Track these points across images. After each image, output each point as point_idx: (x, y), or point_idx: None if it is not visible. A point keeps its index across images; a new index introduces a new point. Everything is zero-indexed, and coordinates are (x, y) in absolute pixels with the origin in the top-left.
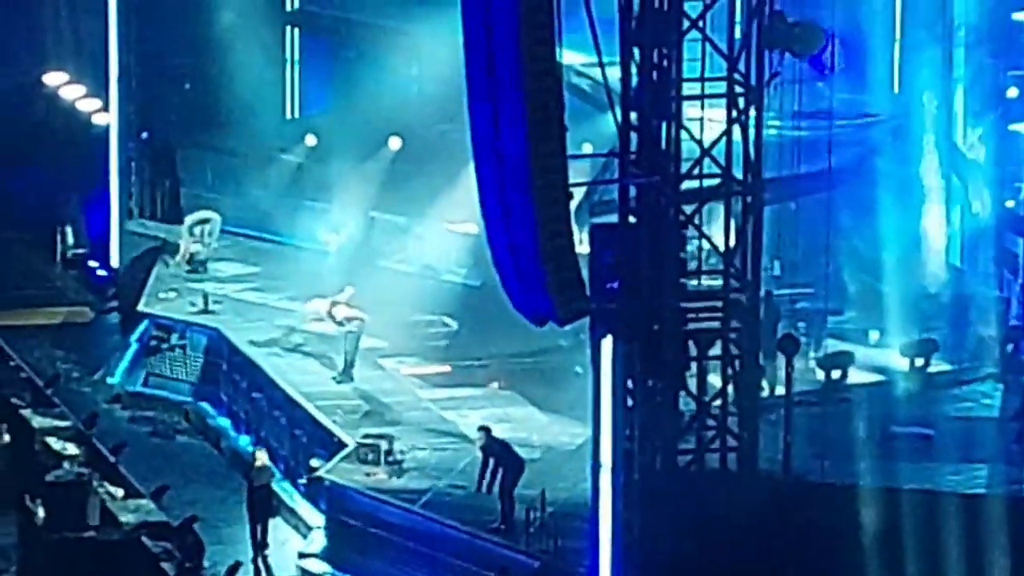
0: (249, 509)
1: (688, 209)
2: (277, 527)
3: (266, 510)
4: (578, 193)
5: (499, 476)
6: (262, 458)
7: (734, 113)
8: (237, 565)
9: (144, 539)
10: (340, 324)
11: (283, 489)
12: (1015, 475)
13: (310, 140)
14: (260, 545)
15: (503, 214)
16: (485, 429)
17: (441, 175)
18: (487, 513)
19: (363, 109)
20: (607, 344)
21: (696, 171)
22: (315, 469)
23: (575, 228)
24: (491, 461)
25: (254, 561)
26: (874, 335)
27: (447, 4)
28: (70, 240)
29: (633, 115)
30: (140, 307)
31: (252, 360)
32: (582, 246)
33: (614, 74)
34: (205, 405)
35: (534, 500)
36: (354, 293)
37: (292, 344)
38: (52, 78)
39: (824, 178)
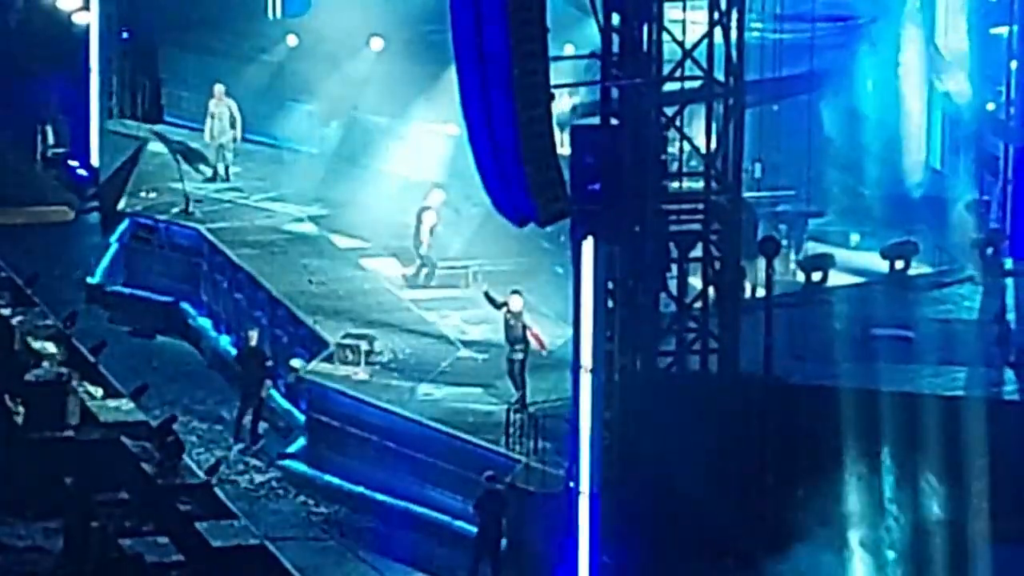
0: (242, 390)
1: (670, 111)
2: (258, 426)
3: (258, 393)
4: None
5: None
6: (254, 337)
7: (716, 15)
8: (217, 464)
9: (123, 439)
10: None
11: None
12: (994, 377)
13: (292, 40)
14: (252, 433)
15: (485, 115)
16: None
17: (423, 76)
18: (468, 414)
19: (344, 9)
20: (588, 245)
21: (678, 73)
22: (296, 369)
23: (557, 129)
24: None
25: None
26: (854, 237)
27: None
28: (51, 139)
29: (615, 17)
30: (120, 207)
31: (233, 260)
32: (563, 148)
33: None
34: (185, 305)
35: (516, 399)
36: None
37: (272, 244)
38: None
39: (805, 81)
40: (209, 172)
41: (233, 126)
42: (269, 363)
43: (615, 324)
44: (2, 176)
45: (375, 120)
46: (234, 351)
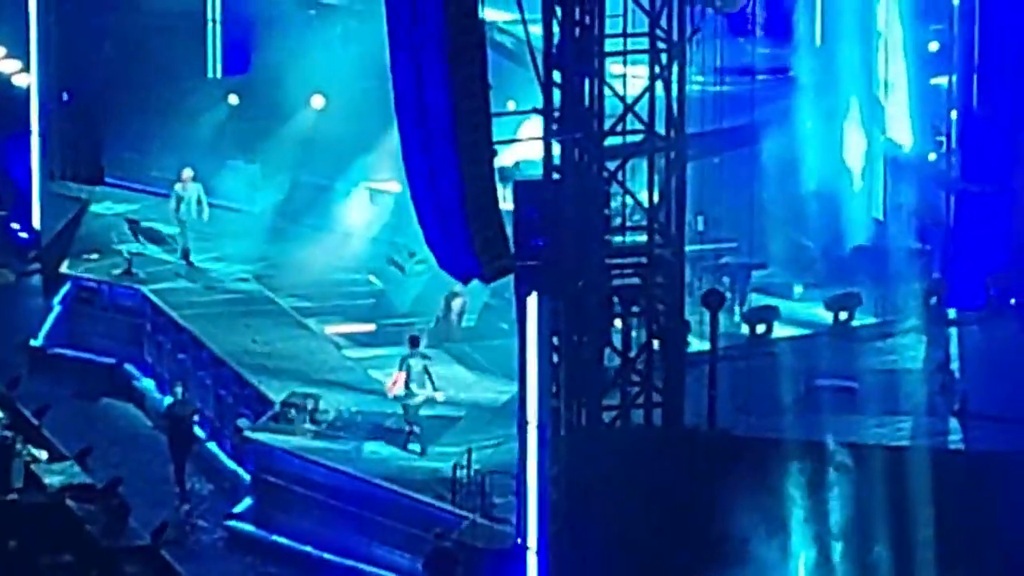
0: (171, 446)
1: (612, 165)
2: (204, 487)
3: (188, 446)
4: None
5: None
6: (180, 392)
7: (657, 69)
8: (163, 526)
9: (69, 501)
10: None
11: (209, 450)
12: (938, 427)
13: (232, 99)
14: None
15: (427, 172)
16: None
17: (365, 134)
18: (414, 471)
19: (285, 68)
20: (532, 301)
21: (619, 127)
22: (241, 429)
23: (499, 185)
24: None
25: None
26: (798, 289)
27: None
28: None
29: (556, 72)
30: (63, 269)
31: (176, 321)
32: (506, 203)
33: (537, 31)
34: (129, 367)
35: (461, 458)
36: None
37: (214, 305)
38: None
39: (747, 133)
40: (179, 254)
41: (200, 210)
42: (196, 417)
43: (560, 379)
44: None
45: (317, 179)
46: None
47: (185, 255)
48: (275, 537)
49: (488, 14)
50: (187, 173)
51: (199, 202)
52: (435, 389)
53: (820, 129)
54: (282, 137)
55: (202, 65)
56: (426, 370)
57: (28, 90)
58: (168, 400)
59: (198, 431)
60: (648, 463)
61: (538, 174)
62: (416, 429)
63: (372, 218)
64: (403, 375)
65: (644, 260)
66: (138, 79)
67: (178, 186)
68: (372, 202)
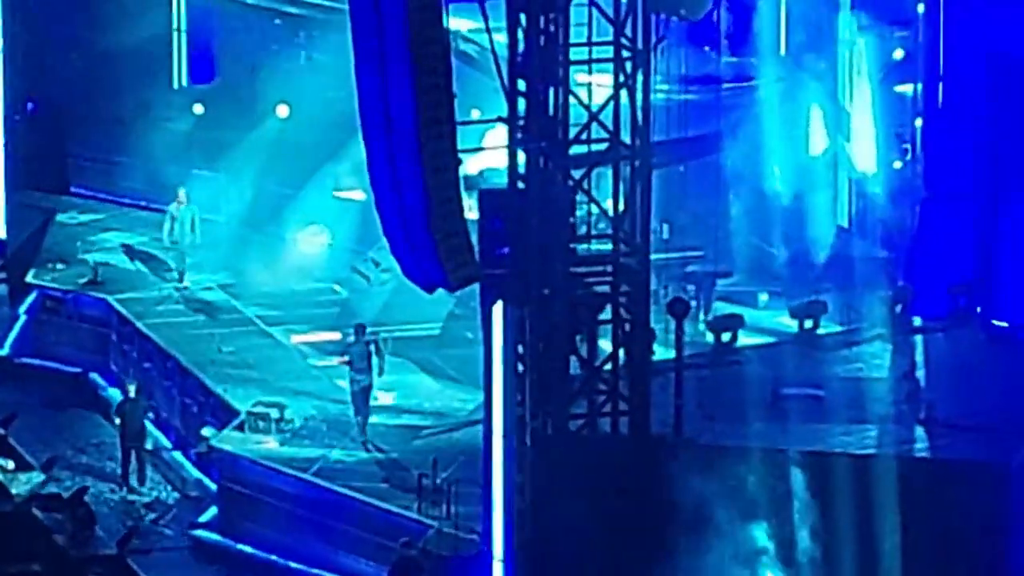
0: (121, 441)
1: (577, 174)
2: (170, 496)
3: (142, 442)
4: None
5: None
6: (133, 389)
7: (621, 78)
8: (129, 534)
9: (35, 511)
10: None
11: (175, 459)
12: (905, 435)
13: (198, 109)
14: (139, 482)
15: (392, 181)
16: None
17: (329, 143)
18: (378, 480)
19: (250, 77)
20: (498, 310)
21: (584, 136)
22: (206, 438)
23: (464, 194)
24: None
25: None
26: (763, 297)
27: None
28: None
29: (521, 81)
30: (29, 278)
31: (141, 330)
32: (471, 212)
33: (501, 40)
34: (95, 376)
35: (427, 466)
36: None
37: (181, 314)
38: None
39: (712, 142)
40: (176, 276)
41: (193, 230)
42: (150, 414)
43: (526, 388)
44: None
45: (282, 188)
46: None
47: (180, 277)
48: (241, 546)
49: (453, 23)
50: (182, 193)
51: (192, 225)
52: (380, 375)
53: (785, 137)
54: (247, 146)
55: (167, 75)
56: (370, 356)
57: None
58: (120, 397)
59: (162, 439)
60: (614, 471)
61: (503, 183)
62: (358, 418)
63: (337, 227)
64: (343, 361)
65: (609, 269)
66: (103, 89)
67: (172, 207)
68: (337, 211)
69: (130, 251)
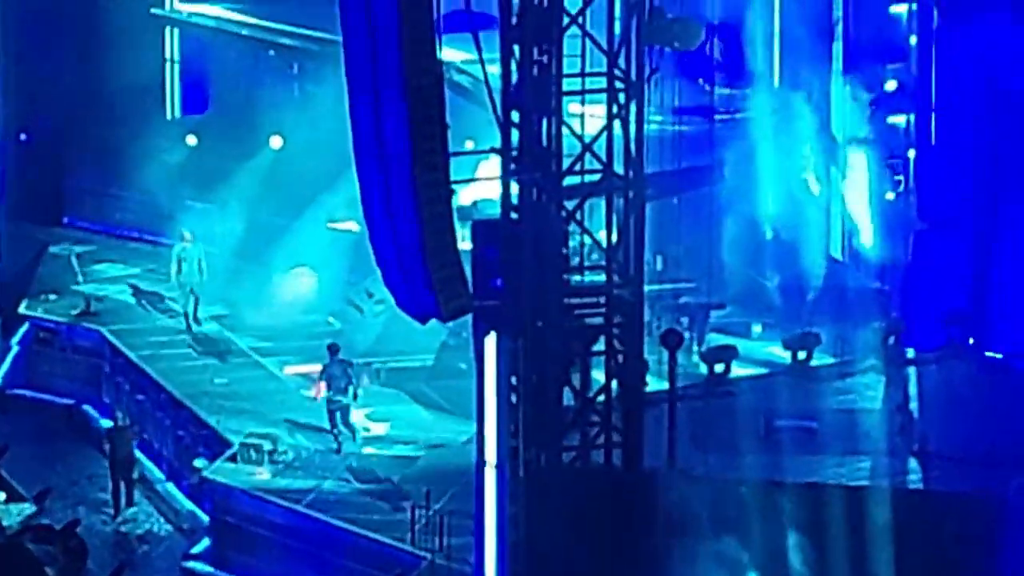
0: (111, 468)
1: (570, 205)
2: (162, 528)
3: (130, 470)
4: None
5: None
6: (122, 417)
7: (615, 109)
8: (121, 567)
9: (27, 543)
10: None
11: (167, 491)
12: (898, 467)
13: (191, 140)
14: (128, 501)
15: (386, 212)
16: None
17: (323, 173)
18: (371, 511)
19: (243, 108)
20: (491, 341)
21: (578, 167)
22: (199, 470)
23: (457, 225)
24: None
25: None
26: (756, 329)
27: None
28: None
29: (514, 112)
30: (21, 309)
31: (134, 362)
32: (465, 243)
33: (495, 71)
34: (88, 407)
35: (420, 498)
36: None
37: (174, 345)
38: None
39: (705, 173)
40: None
41: (200, 271)
42: (135, 440)
43: (519, 419)
44: None
45: (276, 219)
46: (137, 452)
47: (189, 318)
48: None
49: (446, 54)
50: (188, 234)
51: (200, 266)
52: (355, 396)
53: (778, 169)
54: (241, 177)
55: (161, 106)
56: (346, 377)
57: None
58: (109, 424)
59: (155, 470)
60: (608, 503)
61: (496, 214)
62: (337, 432)
63: (331, 258)
64: (323, 384)
65: (603, 300)
66: (97, 120)
67: (178, 247)
68: (331, 242)
69: (137, 292)
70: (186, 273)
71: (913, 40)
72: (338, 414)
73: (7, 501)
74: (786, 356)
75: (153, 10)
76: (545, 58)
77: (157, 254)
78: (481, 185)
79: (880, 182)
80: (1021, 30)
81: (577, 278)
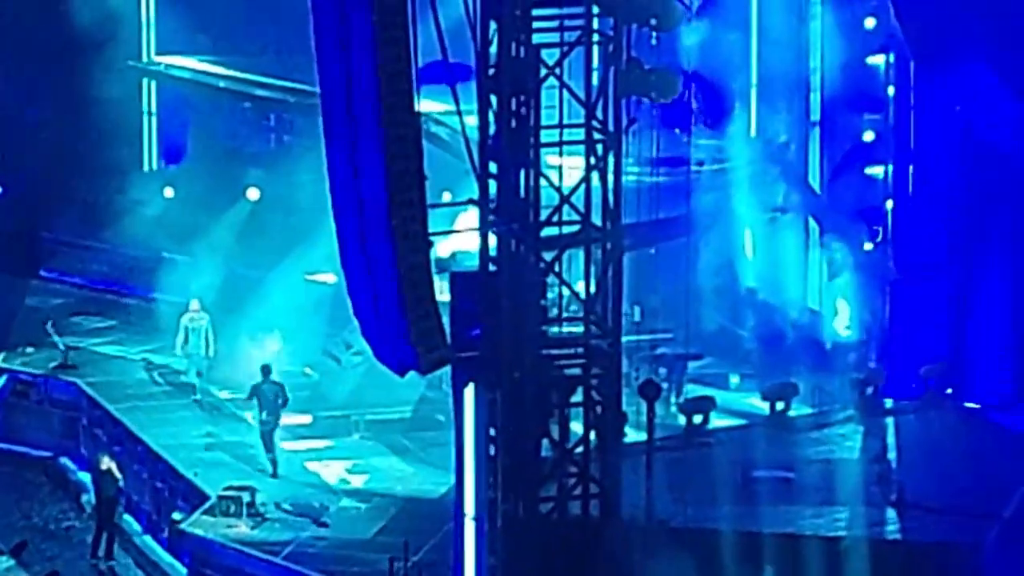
0: (97, 516)
1: (548, 256)
2: None
3: (112, 516)
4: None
5: None
6: (107, 463)
7: (592, 160)
8: None
9: None
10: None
11: (145, 543)
12: (876, 517)
13: (168, 192)
14: (107, 556)
15: (363, 264)
16: None
17: (300, 225)
18: (350, 563)
19: (219, 160)
20: (469, 392)
21: (556, 218)
22: (177, 522)
23: (436, 277)
24: None
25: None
26: (734, 379)
27: (302, 50)
28: None
29: (492, 163)
30: None
31: (112, 414)
32: (443, 295)
33: (472, 122)
34: (65, 460)
35: (398, 550)
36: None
37: (152, 398)
38: None
39: (683, 224)
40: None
41: (208, 345)
42: (120, 484)
43: (497, 470)
44: None
45: (253, 270)
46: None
47: (197, 391)
48: None
49: (424, 105)
50: (195, 303)
51: (207, 335)
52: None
53: (756, 219)
54: (217, 229)
55: (138, 157)
56: (277, 398)
57: None
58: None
59: (133, 523)
60: (586, 554)
61: (474, 265)
62: (269, 455)
63: (308, 310)
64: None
65: (581, 351)
66: (74, 171)
67: (185, 318)
68: (308, 294)
69: (149, 366)
70: (193, 345)
71: (891, 91)
72: (268, 436)
73: None
74: (764, 406)
75: (130, 62)
76: (523, 109)
77: (135, 307)
78: (459, 237)
79: (858, 233)
80: (997, 80)
81: (555, 329)
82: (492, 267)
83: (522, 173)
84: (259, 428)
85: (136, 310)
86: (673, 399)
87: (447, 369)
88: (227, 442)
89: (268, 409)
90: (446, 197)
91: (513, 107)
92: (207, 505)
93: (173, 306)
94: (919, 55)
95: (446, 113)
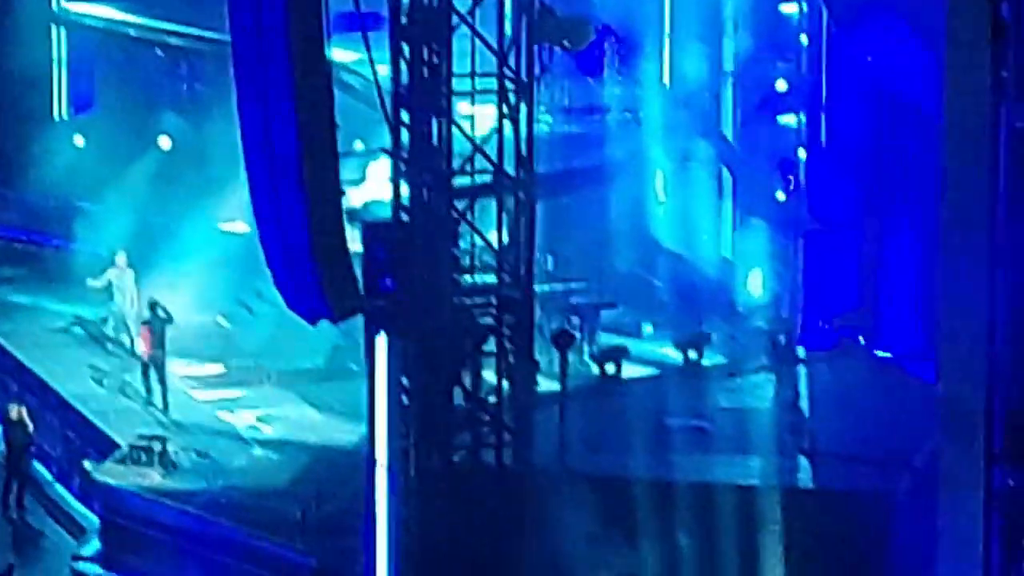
0: (8, 465)
1: (461, 205)
2: (51, 529)
3: (22, 465)
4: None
5: None
6: (18, 413)
7: (505, 109)
8: (10, 569)
9: None
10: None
11: (57, 492)
12: (788, 466)
13: (79, 141)
14: (18, 505)
15: (275, 214)
16: None
17: (212, 175)
18: (262, 513)
19: (131, 109)
20: (381, 341)
21: (468, 168)
22: (89, 471)
23: (348, 226)
24: None
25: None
26: (647, 329)
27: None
28: None
29: (404, 112)
30: None
31: (22, 363)
32: (355, 244)
33: (384, 71)
34: None
35: (310, 499)
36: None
37: (61, 346)
38: None
39: (596, 173)
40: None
41: (132, 305)
42: (31, 433)
43: (410, 420)
44: None
45: (164, 219)
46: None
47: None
48: None
49: (335, 54)
50: (121, 259)
51: (132, 299)
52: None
53: (669, 168)
54: (129, 178)
55: (48, 106)
56: (164, 333)
57: None
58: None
59: (44, 472)
60: (499, 503)
61: (387, 215)
62: (160, 388)
63: (220, 259)
64: (146, 337)
65: (493, 300)
66: None
67: (112, 272)
68: (220, 243)
69: (61, 315)
70: (119, 303)
71: (804, 40)
72: (152, 368)
73: None
74: (677, 356)
75: (39, 9)
76: (435, 58)
77: (46, 255)
78: (371, 186)
79: (770, 182)
80: (908, 31)
81: (468, 279)
82: (404, 216)
83: (434, 122)
84: (142, 361)
85: (47, 259)
86: (586, 348)
87: (360, 318)
88: (139, 391)
89: (153, 343)
90: (358, 146)
91: (425, 56)
92: (118, 454)
93: (85, 256)
94: (831, 4)
95: (358, 62)
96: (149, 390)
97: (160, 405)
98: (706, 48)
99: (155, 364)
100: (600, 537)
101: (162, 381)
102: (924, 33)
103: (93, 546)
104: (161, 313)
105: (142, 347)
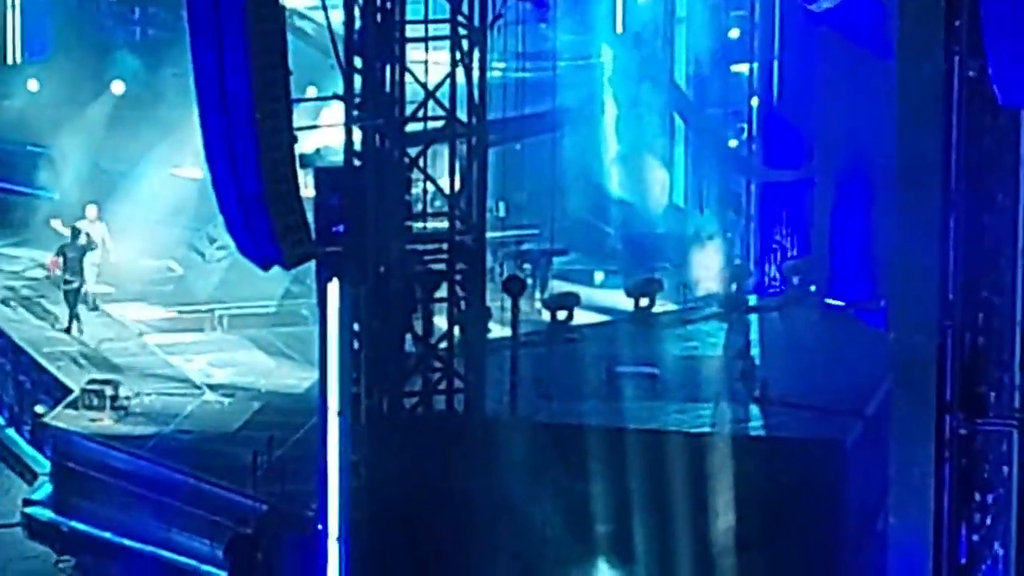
0: None
1: (413, 152)
2: (1, 474)
3: None
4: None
5: None
6: None
7: (458, 55)
8: None
9: None
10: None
11: (8, 436)
12: (739, 413)
13: (32, 85)
14: None
15: (228, 159)
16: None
17: (165, 120)
18: (214, 457)
19: (84, 53)
20: (333, 287)
21: (421, 114)
22: (40, 415)
23: (300, 172)
24: None
25: None
26: (599, 276)
27: None
28: None
29: (357, 58)
30: None
31: None
32: (307, 190)
33: (337, 17)
34: None
35: (262, 444)
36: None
37: (14, 291)
38: None
39: (548, 119)
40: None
41: (106, 255)
42: None
43: (361, 366)
44: None
45: (118, 164)
46: None
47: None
48: (74, 523)
49: (289, 0)
50: (92, 210)
51: (103, 245)
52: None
53: (622, 115)
54: (82, 123)
55: (1, 51)
56: (82, 260)
57: None
58: None
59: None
60: (449, 449)
61: (339, 161)
62: (74, 312)
63: (173, 204)
64: (58, 261)
65: (445, 247)
66: None
67: (83, 223)
68: (173, 188)
69: (14, 259)
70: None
71: None
72: (72, 294)
73: None
74: (628, 303)
75: None
76: (388, 4)
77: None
78: (324, 132)
79: (723, 129)
80: None
81: (420, 225)
82: (357, 162)
83: (387, 68)
84: (63, 288)
85: (2, 204)
86: (538, 295)
87: (311, 264)
88: (91, 335)
89: (71, 270)
90: (311, 92)
91: (378, 2)
92: (70, 398)
93: (39, 200)
94: None
95: (311, 7)
96: (71, 319)
97: (76, 333)
98: None
99: (69, 289)
100: (550, 483)
101: (73, 306)
102: None
103: (44, 490)
104: (82, 240)
105: (54, 271)
